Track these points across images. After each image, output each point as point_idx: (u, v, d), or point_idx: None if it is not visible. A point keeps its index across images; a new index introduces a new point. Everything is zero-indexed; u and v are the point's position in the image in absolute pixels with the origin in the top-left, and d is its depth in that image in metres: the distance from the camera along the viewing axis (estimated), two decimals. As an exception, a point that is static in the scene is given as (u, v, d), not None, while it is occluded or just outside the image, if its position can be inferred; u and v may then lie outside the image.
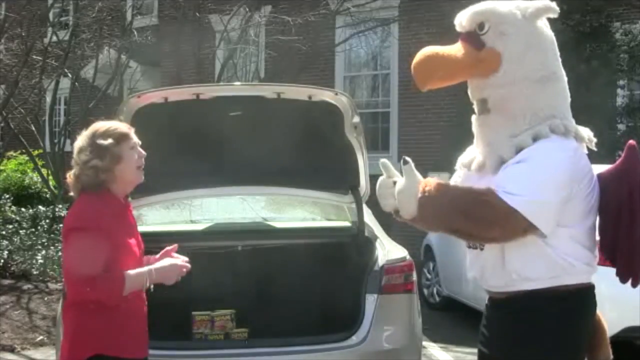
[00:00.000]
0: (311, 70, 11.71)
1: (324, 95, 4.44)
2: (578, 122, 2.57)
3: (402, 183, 2.42)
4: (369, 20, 11.61)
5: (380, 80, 12.81)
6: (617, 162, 2.53)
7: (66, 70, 11.03)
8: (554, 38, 2.57)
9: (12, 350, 6.51)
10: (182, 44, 11.44)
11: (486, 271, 2.53)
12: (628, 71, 10.17)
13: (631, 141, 2.50)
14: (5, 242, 8.93)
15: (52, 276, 8.60)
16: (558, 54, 2.57)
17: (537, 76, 2.47)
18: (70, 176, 2.89)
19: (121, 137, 2.86)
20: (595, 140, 2.56)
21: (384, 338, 4.18)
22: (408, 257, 4.42)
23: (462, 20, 2.54)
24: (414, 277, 4.39)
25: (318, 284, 4.80)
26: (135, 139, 2.91)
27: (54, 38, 11.15)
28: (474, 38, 2.49)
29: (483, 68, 2.47)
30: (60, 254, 8.71)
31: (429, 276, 8.77)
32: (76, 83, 11.35)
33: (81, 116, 10.93)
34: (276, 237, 5.02)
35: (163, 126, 4.26)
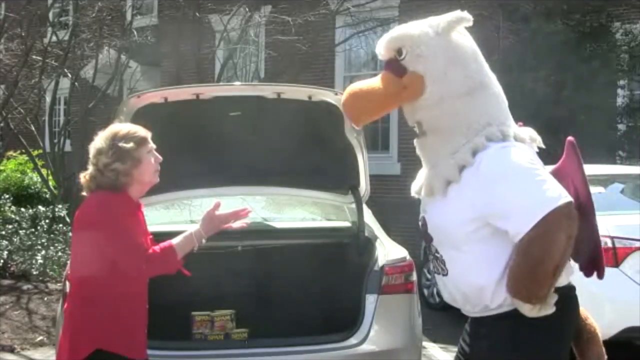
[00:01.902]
0: (311, 70, 11.71)
1: (324, 95, 4.44)
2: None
3: None
4: (369, 20, 11.60)
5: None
6: (560, 160, 2.50)
7: (66, 70, 11.03)
8: (475, 47, 2.51)
9: (11, 350, 6.51)
10: (182, 44, 11.45)
11: (458, 298, 2.50)
12: (628, 71, 10.18)
13: (570, 138, 2.47)
14: (5, 242, 8.91)
15: (51, 276, 8.60)
16: (482, 60, 2.51)
17: (464, 89, 2.42)
18: (85, 177, 2.91)
19: (141, 141, 2.90)
20: (539, 138, 2.52)
21: (384, 338, 4.17)
22: (408, 257, 4.41)
23: (380, 50, 2.51)
24: (414, 277, 4.39)
25: (318, 284, 4.79)
26: (152, 143, 2.94)
27: (54, 38, 11.15)
28: (395, 65, 2.45)
29: (408, 94, 2.44)
30: (59, 254, 8.73)
31: (429, 276, 8.76)
32: (76, 83, 11.35)
33: (81, 116, 10.93)
34: (276, 237, 5.01)
35: (163, 126, 4.23)
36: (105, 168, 2.84)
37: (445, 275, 2.49)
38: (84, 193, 2.94)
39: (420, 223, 2.59)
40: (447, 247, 2.46)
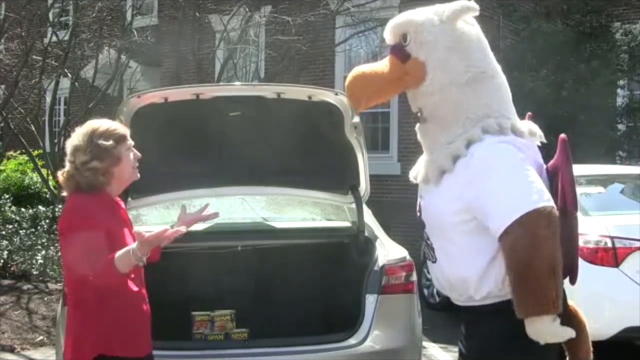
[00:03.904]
0: (311, 70, 11.71)
1: (324, 95, 4.44)
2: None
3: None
4: (369, 20, 11.60)
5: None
6: (554, 158, 2.49)
7: (66, 70, 11.02)
8: (481, 36, 2.51)
9: (12, 350, 6.51)
10: (182, 44, 11.44)
11: (445, 285, 2.52)
12: (628, 71, 10.19)
13: (562, 135, 2.45)
14: (5, 242, 8.92)
15: (52, 276, 8.60)
16: (488, 51, 2.51)
17: (464, 79, 2.42)
18: (62, 175, 2.84)
19: (120, 139, 2.84)
20: (539, 132, 2.51)
21: (384, 338, 4.17)
22: (408, 257, 4.41)
23: (386, 34, 2.52)
24: (414, 277, 4.39)
25: (318, 284, 4.79)
26: (130, 140, 2.90)
27: (54, 38, 11.15)
28: (399, 50, 2.47)
29: (410, 80, 2.46)
30: (60, 254, 8.72)
31: (429, 276, 8.76)
32: (76, 83, 11.34)
33: (81, 116, 10.92)
34: (276, 237, 5.01)
35: (163, 126, 4.26)
36: (82, 166, 2.77)
37: (434, 262, 2.52)
38: (64, 193, 2.87)
39: (417, 208, 2.61)
40: (437, 235, 2.48)
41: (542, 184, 2.34)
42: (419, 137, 2.58)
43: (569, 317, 2.50)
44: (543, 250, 2.23)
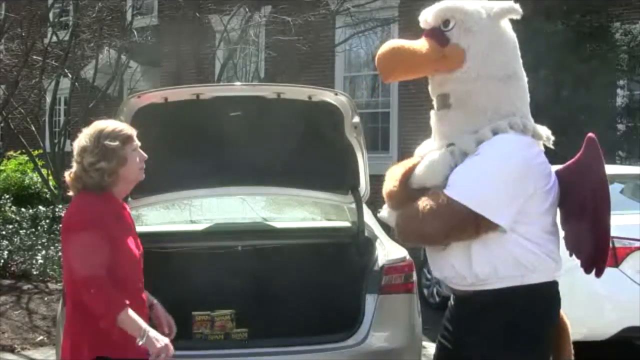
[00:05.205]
0: (311, 70, 11.72)
1: (324, 95, 4.43)
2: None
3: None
4: (369, 20, 11.62)
5: (380, 80, 12.78)
6: (577, 156, 2.53)
7: (66, 70, 11.03)
8: (516, 39, 2.62)
9: (12, 350, 6.51)
10: (182, 44, 11.46)
11: (450, 270, 2.53)
12: (628, 71, 10.18)
13: (590, 134, 2.50)
14: (5, 242, 8.92)
15: (52, 276, 8.60)
16: (519, 54, 2.62)
17: (500, 74, 2.51)
18: (70, 175, 2.86)
19: (127, 139, 2.85)
20: (553, 138, 2.58)
21: (384, 338, 4.18)
22: (408, 257, 4.41)
23: (427, 16, 2.57)
24: (414, 277, 4.39)
25: (318, 284, 4.79)
26: (137, 141, 2.91)
27: (54, 38, 11.16)
28: (438, 34, 2.52)
29: (447, 63, 2.50)
30: (60, 254, 8.73)
31: (429, 276, 8.76)
32: (76, 83, 11.35)
33: (81, 116, 10.93)
34: (276, 237, 5.01)
35: (163, 126, 4.25)
36: (90, 167, 2.78)
37: (444, 248, 2.52)
38: (70, 193, 2.89)
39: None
40: None
41: (506, 196, 2.38)
42: (433, 122, 2.62)
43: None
44: (419, 226, 2.44)
